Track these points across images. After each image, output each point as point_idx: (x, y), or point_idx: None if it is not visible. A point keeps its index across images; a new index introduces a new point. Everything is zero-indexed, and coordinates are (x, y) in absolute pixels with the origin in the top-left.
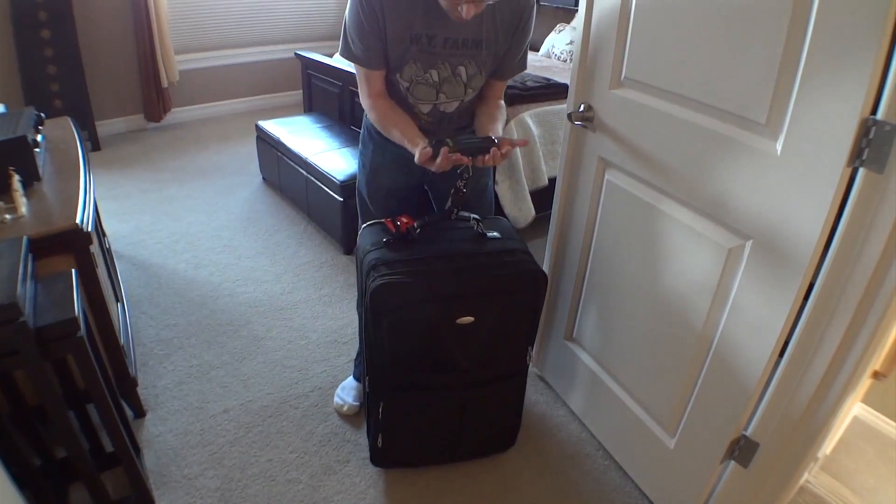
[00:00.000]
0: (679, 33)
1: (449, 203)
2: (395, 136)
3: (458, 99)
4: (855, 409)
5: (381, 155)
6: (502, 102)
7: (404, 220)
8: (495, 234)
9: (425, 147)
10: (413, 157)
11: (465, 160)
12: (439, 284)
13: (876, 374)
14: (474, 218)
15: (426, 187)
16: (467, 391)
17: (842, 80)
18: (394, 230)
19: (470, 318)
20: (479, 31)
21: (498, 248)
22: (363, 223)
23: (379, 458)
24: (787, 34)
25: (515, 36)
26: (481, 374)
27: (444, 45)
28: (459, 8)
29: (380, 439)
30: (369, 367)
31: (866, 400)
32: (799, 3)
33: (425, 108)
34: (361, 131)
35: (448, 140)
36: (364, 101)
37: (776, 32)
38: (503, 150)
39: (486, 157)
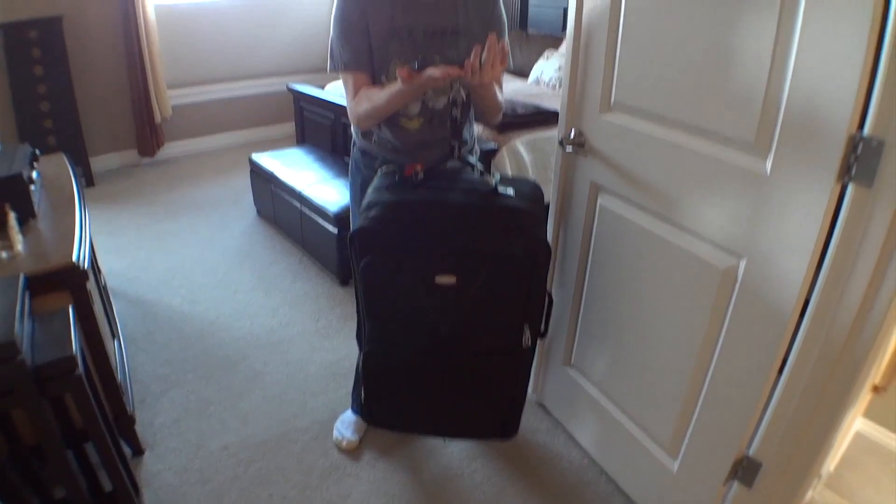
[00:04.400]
0: (666, 57)
1: (449, 136)
2: (381, 98)
3: (445, 94)
4: (857, 424)
5: (370, 178)
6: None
7: (418, 167)
8: (509, 191)
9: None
10: None
11: (455, 71)
12: (418, 234)
13: (875, 389)
14: (482, 171)
15: None
16: (451, 360)
17: (828, 96)
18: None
19: (451, 279)
20: (456, 18)
21: (504, 207)
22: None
23: (366, 413)
24: (773, 53)
25: (491, 21)
26: (467, 347)
27: (424, 35)
28: None
29: (362, 392)
30: (357, 313)
31: (867, 414)
32: (783, 21)
33: (414, 109)
34: (350, 165)
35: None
36: (350, 109)
37: (762, 52)
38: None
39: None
